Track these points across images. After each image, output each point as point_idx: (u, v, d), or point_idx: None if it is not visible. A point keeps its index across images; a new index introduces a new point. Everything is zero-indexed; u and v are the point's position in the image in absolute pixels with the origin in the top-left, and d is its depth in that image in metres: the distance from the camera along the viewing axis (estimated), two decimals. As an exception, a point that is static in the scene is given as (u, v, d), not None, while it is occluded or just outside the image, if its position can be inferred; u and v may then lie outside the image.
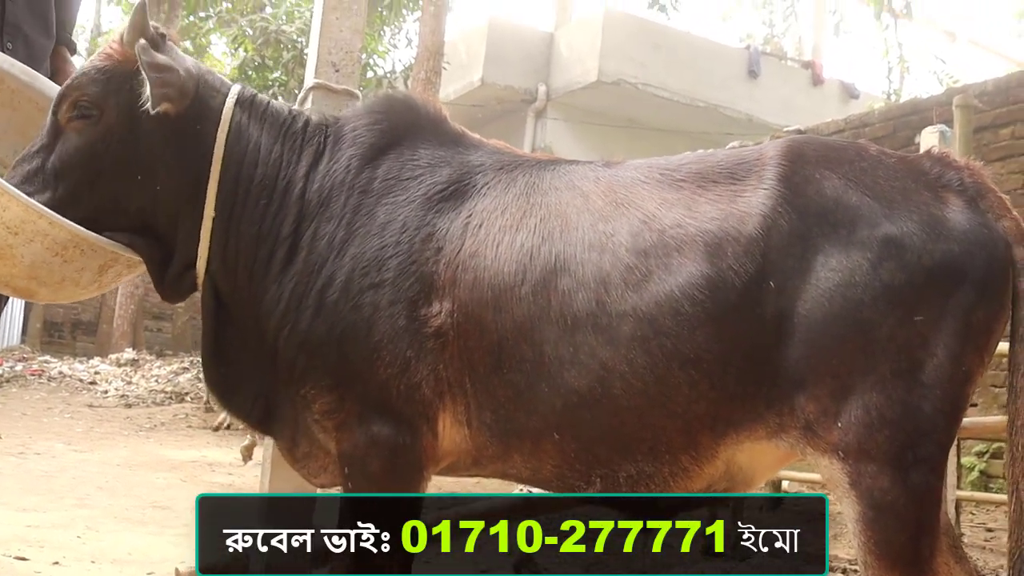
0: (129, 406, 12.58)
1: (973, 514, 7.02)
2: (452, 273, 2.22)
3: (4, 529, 4.70)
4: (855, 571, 4.62)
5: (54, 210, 2.29)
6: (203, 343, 2.50)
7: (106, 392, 13.53)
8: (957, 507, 5.51)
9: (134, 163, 2.40)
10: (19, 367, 14.96)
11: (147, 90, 2.34)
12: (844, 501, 2.02)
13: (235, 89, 2.53)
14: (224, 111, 2.45)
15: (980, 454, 7.72)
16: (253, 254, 2.40)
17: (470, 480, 2.59)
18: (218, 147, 2.41)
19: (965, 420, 5.14)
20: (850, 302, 1.99)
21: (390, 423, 2.22)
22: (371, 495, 2.22)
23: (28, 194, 2.30)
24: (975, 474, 7.62)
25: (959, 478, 6.18)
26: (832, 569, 4.71)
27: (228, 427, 10.36)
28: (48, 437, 9.12)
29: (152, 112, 2.34)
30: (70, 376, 14.57)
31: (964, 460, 7.32)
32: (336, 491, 2.48)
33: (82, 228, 2.33)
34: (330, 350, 2.26)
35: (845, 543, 5.30)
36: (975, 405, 7.52)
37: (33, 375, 14.44)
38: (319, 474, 2.51)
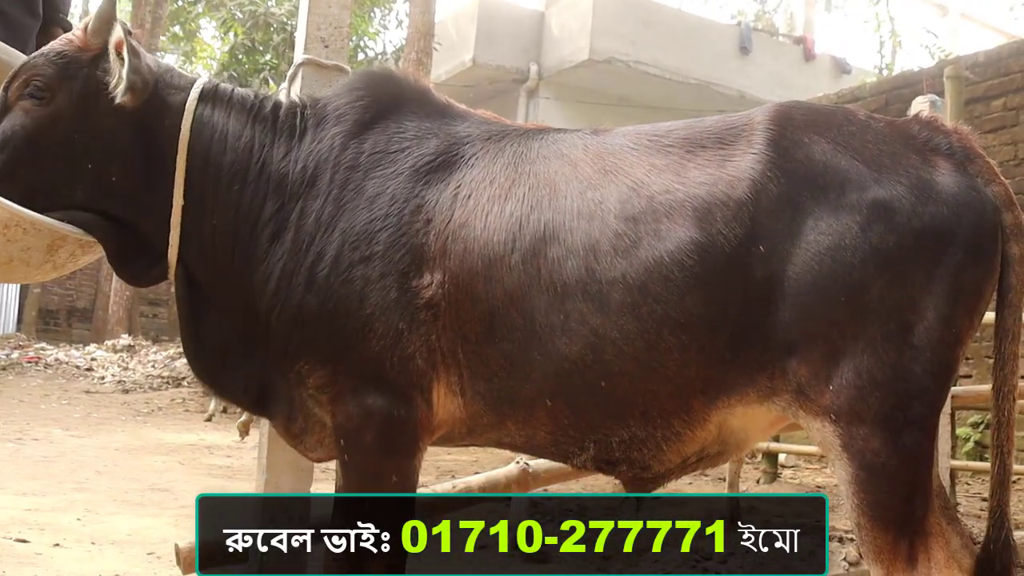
0: (126, 391, 12.62)
1: (968, 484, 7.07)
2: (442, 244, 2.22)
3: (4, 513, 4.72)
4: (850, 539, 4.65)
5: None
6: (183, 333, 2.49)
7: (103, 378, 13.57)
8: (952, 477, 5.54)
9: (83, 151, 2.37)
10: (15, 355, 15.00)
11: (119, 74, 2.33)
12: (836, 464, 2.03)
13: (199, 82, 2.52)
14: (188, 103, 2.43)
15: (975, 425, 7.76)
16: (233, 238, 2.39)
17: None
18: (183, 138, 2.40)
19: (959, 389, 5.19)
20: (840, 265, 1.99)
21: (384, 395, 2.22)
22: (369, 495, 2.23)
23: None
24: (970, 445, 7.66)
25: (954, 448, 6.22)
26: (829, 538, 4.73)
27: (224, 411, 10.38)
28: (46, 423, 9.14)
29: (120, 99, 2.33)
30: (67, 363, 14.61)
31: (959, 431, 7.37)
32: (332, 490, 2.49)
33: (22, 208, 2.29)
34: (323, 325, 2.27)
35: (841, 514, 5.32)
36: (969, 376, 7.56)
37: (30, 362, 14.47)
38: (316, 448, 2.52)
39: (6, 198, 2.26)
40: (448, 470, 7.29)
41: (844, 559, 4.39)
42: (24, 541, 4.14)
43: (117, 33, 2.35)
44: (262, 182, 2.40)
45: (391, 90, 2.53)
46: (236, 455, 7.92)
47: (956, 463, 5.74)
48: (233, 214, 2.40)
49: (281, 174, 2.40)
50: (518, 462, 3.44)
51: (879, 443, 1.97)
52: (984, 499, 6.46)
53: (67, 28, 3.48)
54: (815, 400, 2.02)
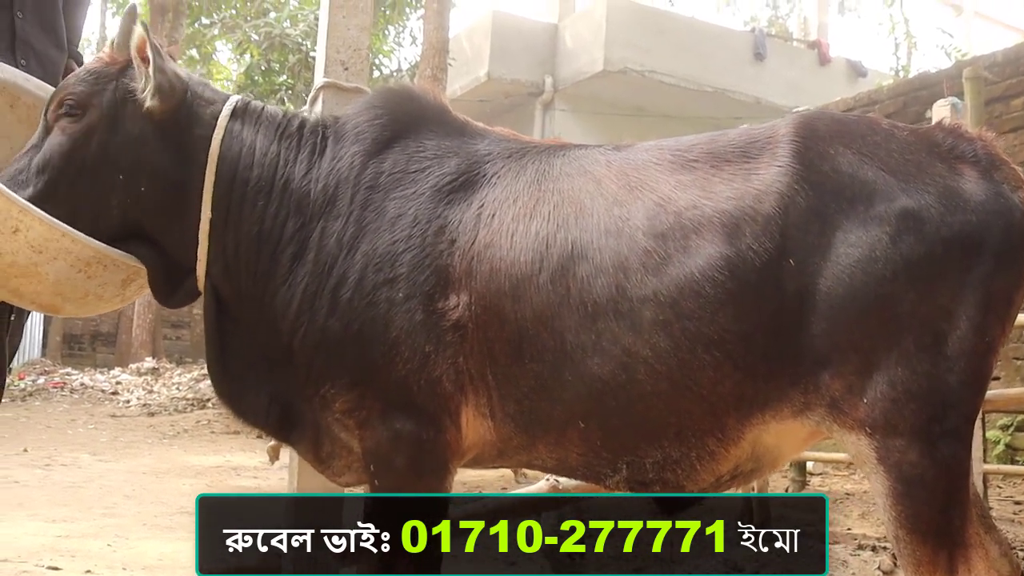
0: (152, 414, 12.66)
1: (1000, 488, 6.99)
2: (467, 265, 2.21)
3: (35, 540, 4.74)
4: (883, 548, 4.61)
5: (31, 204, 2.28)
6: (208, 351, 2.48)
7: (128, 402, 13.63)
8: (984, 481, 5.49)
9: (115, 163, 2.38)
10: (41, 380, 15.10)
11: (145, 74, 2.37)
12: (873, 477, 2.02)
13: (232, 98, 2.54)
14: (220, 117, 2.45)
15: (1005, 427, 7.69)
16: (256, 255, 2.39)
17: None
18: (213, 150, 2.41)
19: (989, 393, 5.13)
20: (871, 277, 1.98)
21: (413, 418, 2.21)
22: (399, 495, 2.21)
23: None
24: (1000, 448, 7.59)
25: (985, 452, 6.17)
26: (861, 547, 4.70)
27: (260, 436, 10.39)
28: (73, 448, 9.18)
29: (149, 102, 2.36)
30: (92, 387, 14.69)
31: (989, 434, 7.30)
32: (361, 491, 2.48)
33: (103, 245, 2.34)
34: (347, 348, 2.25)
35: (873, 521, 5.28)
36: (997, 378, 7.49)
37: (55, 388, 14.56)
38: (343, 473, 2.50)
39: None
40: (475, 486, 7.27)
41: (878, 568, 4.35)
42: (56, 568, 4.15)
43: (138, 33, 2.37)
44: (285, 199, 2.40)
45: (410, 108, 2.52)
46: (263, 476, 7.92)
47: (988, 467, 5.68)
48: (257, 230, 2.39)
49: (303, 192, 2.39)
50: (548, 479, 3.43)
51: (915, 455, 1.96)
52: (1016, 502, 6.39)
53: (79, 59, 3.51)
54: (849, 413, 2.00)
